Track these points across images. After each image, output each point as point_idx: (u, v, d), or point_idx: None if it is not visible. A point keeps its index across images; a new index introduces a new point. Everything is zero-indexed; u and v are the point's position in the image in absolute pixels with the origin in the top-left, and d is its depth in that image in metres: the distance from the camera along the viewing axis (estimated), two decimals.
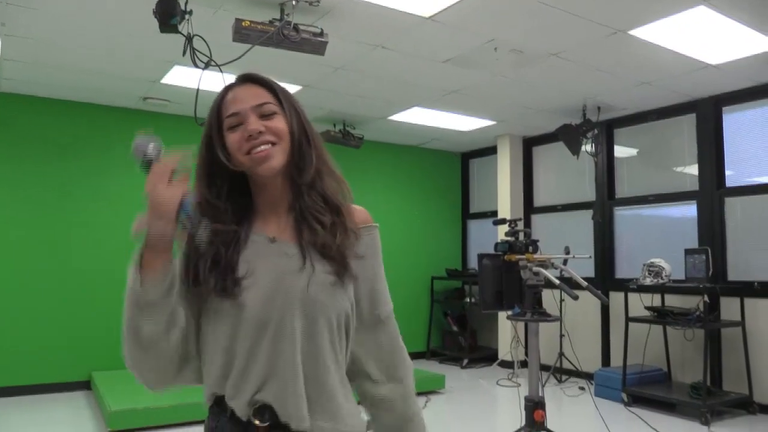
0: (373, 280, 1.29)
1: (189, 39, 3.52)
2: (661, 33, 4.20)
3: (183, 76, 5.11)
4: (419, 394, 5.73)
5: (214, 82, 5.12)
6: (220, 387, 1.16)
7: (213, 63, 3.57)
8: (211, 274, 1.14)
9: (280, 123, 1.19)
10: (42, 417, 4.93)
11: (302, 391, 1.12)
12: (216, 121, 1.22)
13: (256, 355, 1.13)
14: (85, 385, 5.78)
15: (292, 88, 5.45)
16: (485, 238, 7.83)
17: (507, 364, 7.06)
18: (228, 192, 1.22)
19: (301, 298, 1.14)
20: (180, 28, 3.40)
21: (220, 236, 1.16)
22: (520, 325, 6.83)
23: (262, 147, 1.16)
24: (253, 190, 1.25)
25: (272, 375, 1.12)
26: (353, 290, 1.22)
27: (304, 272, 1.16)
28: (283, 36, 3.58)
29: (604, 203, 6.61)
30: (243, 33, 3.53)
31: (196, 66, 3.64)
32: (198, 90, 3.88)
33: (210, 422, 1.21)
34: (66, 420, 4.87)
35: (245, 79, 1.24)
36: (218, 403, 1.18)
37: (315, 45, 3.78)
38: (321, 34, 3.79)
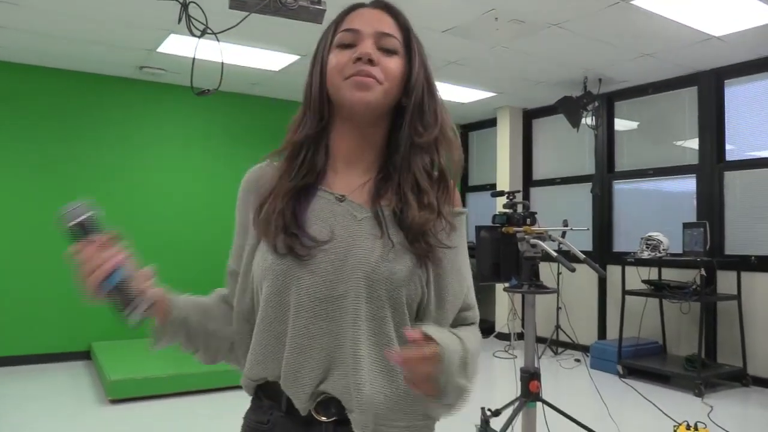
0: (459, 276, 1.07)
1: (184, 6, 3.45)
2: (664, 3, 4.13)
3: (179, 45, 5.04)
4: None
5: (210, 51, 5.07)
6: (271, 369, 1.01)
7: (209, 31, 3.50)
8: (278, 228, 0.99)
9: (395, 65, 1.03)
10: (42, 387, 4.96)
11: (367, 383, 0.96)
12: (330, 36, 1.05)
13: (314, 336, 0.97)
14: (85, 355, 5.82)
15: (289, 58, 5.40)
16: (484, 211, 7.78)
17: (504, 337, 7.11)
18: (317, 132, 1.05)
19: (370, 274, 0.96)
20: None
21: (287, 186, 1.02)
22: (517, 298, 6.85)
23: (367, 79, 0.99)
24: (335, 135, 1.06)
25: (334, 363, 0.97)
26: (432, 280, 1.02)
27: (379, 243, 0.98)
28: (280, 3, 3.51)
29: (604, 176, 6.59)
30: (239, 0, 3.46)
31: (192, 34, 3.57)
32: (194, 59, 3.82)
33: (256, 415, 1.06)
34: (66, 389, 4.91)
35: (380, 4, 1.08)
36: (267, 391, 1.04)
37: (312, 13, 3.71)
38: (319, 1, 3.72)
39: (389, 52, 1.03)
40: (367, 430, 0.96)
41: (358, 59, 0.99)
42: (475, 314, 1.13)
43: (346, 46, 1.02)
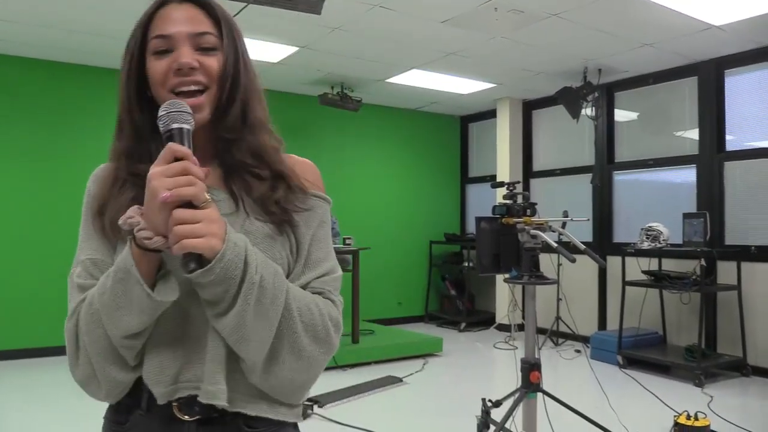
0: (311, 243, 1.06)
1: None
2: None
3: None
4: (417, 357, 5.79)
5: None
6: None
7: None
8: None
9: (216, 62, 0.99)
10: (46, 380, 4.98)
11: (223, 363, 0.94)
12: (140, 41, 1.00)
13: (176, 323, 0.96)
14: None
15: (288, 49, 5.38)
16: (484, 202, 7.82)
17: (504, 328, 7.12)
18: (150, 129, 1.00)
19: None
20: None
21: (138, 178, 0.96)
22: (518, 290, 6.87)
23: (193, 87, 0.97)
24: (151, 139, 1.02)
25: (193, 349, 0.96)
26: (291, 245, 1.04)
27: (237, 218, 0.99)
28: None
29: (604, 167, 6.58)
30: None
31: None
32: None
33: (114, 415, 1.05)
34: (70, 382, 4.90)
35: None
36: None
37: (311, 4, 3.70)
38: None
39: (208, 50, 0.99)
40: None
41: (179, 70, 0.96)
42: (332, 293, 1.06)
43: (162, 52, 0.98)
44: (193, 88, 0.97)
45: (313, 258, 1.05)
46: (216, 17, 1.02)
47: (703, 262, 5.06)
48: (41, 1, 4.33)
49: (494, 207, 3.41)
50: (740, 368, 5.21)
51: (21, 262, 5.67)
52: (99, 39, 5.16)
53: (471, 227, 8.26)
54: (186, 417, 0.96)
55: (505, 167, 7.41)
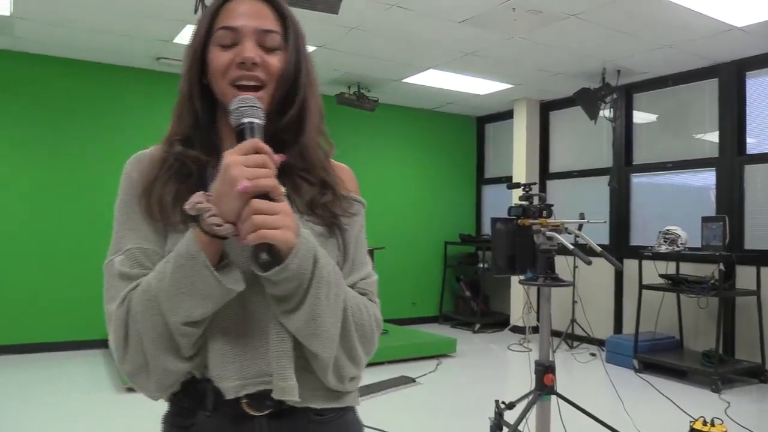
0: (355, 246, 1.09)
1: None
2: None
3: None
4: (431, 357, 5.78)
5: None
6: (197, 363, 0.98)
7: None
8: (175, 210, 0.96)
9: (278, 62, 1.01)
10: (59, 374, 5.04)
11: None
12: (205, 31, 1.02)
13: (241, 320, 0.97)
14: (103, 344, 5.88)
15: None
16: (500, 203, 7.79)
17: (519, 330, 7.09)
18: (205, 120, 1.03)
19: None
20: None
21: (186, 168, 1.00)
22: (533, 292, 6.82)
23: (252, 82, 0.98)
24: (223, 120, 1.04)
25: (260, 342, 0.96)
26: (338, 245, 1.06)
27: None
28: None
29: (621, 169, 6.52)
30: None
31: None
32: None
33: (176, 419, 1.02)
34: (83, 377, 4.97)
35: None
36: (188, 391, 1.00)
37: (329, 3, 3.71)
38: None
39: (271, 49, 1.01)
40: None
41: (241, 64, 0.98)
42: (374, 294, 1.11)
43: (226, 45, 1.00)
44: (252, 83, 0.99)
45: (357, 260, 1.09)
46: (282, 16, 1.04)
47: (721, 266, 4.99)
48: (65, 2, 4.38)
49: (510, 208, 3.40)
50: (758, 374, 5.13)
51: (22, 258, 5.73)
52: (109, 37, 5.21)
53: (486, 228, 8.23)
54: (256, 412, 0.96)
55: (521, 168, 7.37)
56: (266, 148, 0.88)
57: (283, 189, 0.88)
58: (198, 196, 0.87)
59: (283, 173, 0.97)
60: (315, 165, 1.06)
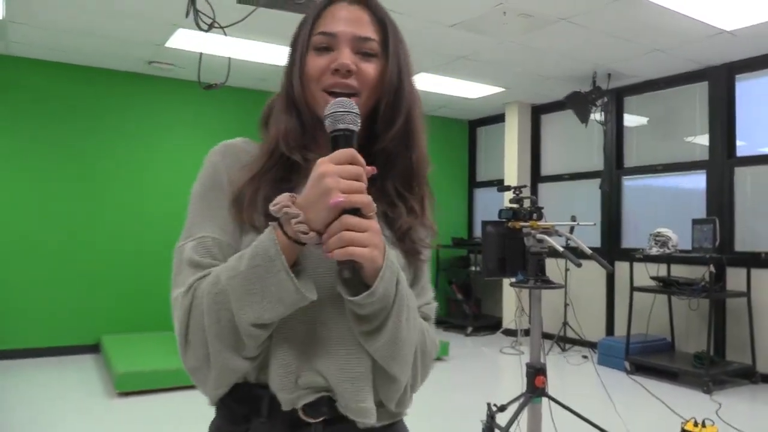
0: (423, 271, 1.09)
1: (192, 0, 3.46)
2: None
3: (187, 40, 5.05)
4: None
5: (219, 45, 5.07)
6: (253, 366, 0.97)
7: (216, 25, 3.51)
8: (261, 211, 0.94)
9: (374, 70, 0.99)
10: (51, 380, 5.01)
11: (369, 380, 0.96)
12: (307, 35, 1.00)
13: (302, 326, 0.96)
14: (94, 349, 5.86)
15: None
16: (492, 206, 7.80)
17: (511, 333, 7.10)
18: (301, 125, 1.01)
19: None
20: None
21: (284, 172, 0.98)
22: (524, 296, 6.83)
23: (346, 90, 0.96)
24: (317, 131, 1.00)
25: (323, 348, 0.96)
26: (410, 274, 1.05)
27: None
28: None
29: (612, 172, 6.55)
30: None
31: (200, 28, 3.58)
32: (201, 53, 3.83)
33: (228, 425, 1.01)
34: (75, 382, 4.94)
35: (357, 0, 1.01)
36: (241, 395, 0.98)
37: None
38: None
39: (368, 56, 0.99)
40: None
41: (336, 71, 0.96)
42: (433, 319, 1.12)
43: (323, 49, 0.98)
44: (346, 91, 0.96)
45: (425, 285, 1.09)
46: (383, 23, 1.02)
47: (712, 268, 5.02)
48: (57, 6, 4.38)
49: (500, 211, 3.41)
50: (749, 376, 5.16)
51: (11, 263, 5.70)
52: (102, 41, 5.20)
53: (478, 231, 8.24)
54: (312, 419, 0.95)
55: (513, 172, 7.40)
56: (362, 159, 0.85)
57: (374, 206, 0.85)
58: (285, 198, 0.85)
59: (379, 191, 0.96)
60: (413, 188, 1.04)
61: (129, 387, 4.48)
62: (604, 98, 6.07)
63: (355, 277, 0.87)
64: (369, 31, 0.99)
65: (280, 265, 0.84)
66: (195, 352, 0.91)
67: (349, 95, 0.95)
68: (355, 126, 0.89)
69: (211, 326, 0.88)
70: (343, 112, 0.89)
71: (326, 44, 0.98)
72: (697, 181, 5.87)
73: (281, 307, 0.86)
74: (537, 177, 7.53)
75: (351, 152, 0.85)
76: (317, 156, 0.94)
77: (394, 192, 1.02)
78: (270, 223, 0.87)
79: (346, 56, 0.96)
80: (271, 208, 0.85)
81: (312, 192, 0.83)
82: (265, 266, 0.85)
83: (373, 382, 0.96)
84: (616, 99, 6.54)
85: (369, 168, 0.86)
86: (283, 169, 0.99)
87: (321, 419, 0.95)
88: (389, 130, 1.01)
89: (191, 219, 0.99)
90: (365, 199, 0.84)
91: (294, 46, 1.03)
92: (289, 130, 1.00)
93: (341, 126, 0.88)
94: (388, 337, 0.91)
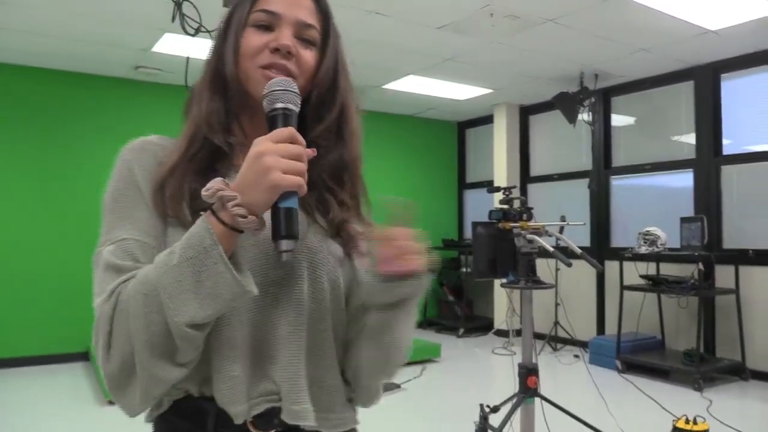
0: None
1: (178, 4, 3.44)
2: None
3: (173, 44, 5.03)
4: (415, 363, 5.76)
5: (205, 49, 5.05)
6: (195, 378, 0.89)
7: (203, 29, 3.49)
8: (184, 204, 0.89)
9: (312, 59, 0.96)
10: (41, 388, 4.96)
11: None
12: (246, 12, 0.94)
13: (251, 329, 0.90)
14: (84, 357, 5.81)
15: None
16: (482, 207, 7.81)
17: (502, 333, 7.11)
18: (227, 107, 0.96)
19: (311, 255, 0.92)
20: None
21: (209, 161, 0.93)
22: (516, 296, 6.84)
23: (282, 73, 0.91)
24: (242, 114, 0.97)
25: (271, 355, 0.91)
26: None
27: (311, 227, 0.94)
28: None
29: (601, 172, 6.59)
30: None
31: (186, 33, 3.56)
32: (188, 58, 3.79)
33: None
34: (64, 391, 4.90)
35: None
36: (184, 409, 0.91)
37: None
38: None
39: (307, 43, 0.96)
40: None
41: (276, 50, 0.91)
42: None
43: (262, 27, 0.93)
44: (282, 73, 0.91)
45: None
46: (326, 15, 1.00)
47: (701, 266, 5.06)
48: (43, 11, 4.34)
49: (491, 212, 3.42)
50: (739, 372, 5.20)
51: (22, 271, 5.65)
52: (88, 46, 5.17)
53: (469, 233, 8.25)
54: None
55: (502, 172, 7.42)
56: (302, 139, 0.81)
57: (305, 189, 0.81)
58: (218, 183, 0.78)
59: (311, 186, 0.88)
60: (344, 183, 1.01)
61: None
62: (591, 98, 6.10)
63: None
64: (312, 19, 0.96)
65: (216, 255, 0.77)
66: (119, 364, 0.82)
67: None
68: (296, 106, 0.86)
69: (140, 332, 0.80)
70: (283, 91, 0.86)
71: (267, 22, 0.93)
72: (685, 179, 5.91)
73: (219, 303, 0.79)
74: (526, 177, 7.56)
75: (291, 131, 0.81)
76: (242, 142, 0.93)
77: (323, 184, 0.98)
78: (201, 212, 0.81)
79: (287, 37, 0.92)
80: (204, 193, 0.78)
81: (250, 172, 0.78)
82: (199, 258, 0.78)
83: (308, 381, 0.91)
84: (603, 99, 6.58)
85: (309, 150, 0.82)
86: (207, 158, 0.93)
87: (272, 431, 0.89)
88: (320, 123, 0.98)
89: (106, 224, 0.92)
90: (301, 180, 0.79)
91: (228, 23, 0.97)
92: (212, 111, 0.95)
93: (280, 105, 0.85)
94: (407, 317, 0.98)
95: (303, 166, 0.80)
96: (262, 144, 0.78)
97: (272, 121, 0.85)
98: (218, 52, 0.97)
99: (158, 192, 0.90)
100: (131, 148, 0.96)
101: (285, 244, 0.81)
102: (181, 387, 0.89)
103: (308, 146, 0.85)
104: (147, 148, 0.96)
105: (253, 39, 0.93)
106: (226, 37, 0.95)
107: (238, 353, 0.87)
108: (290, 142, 0.80)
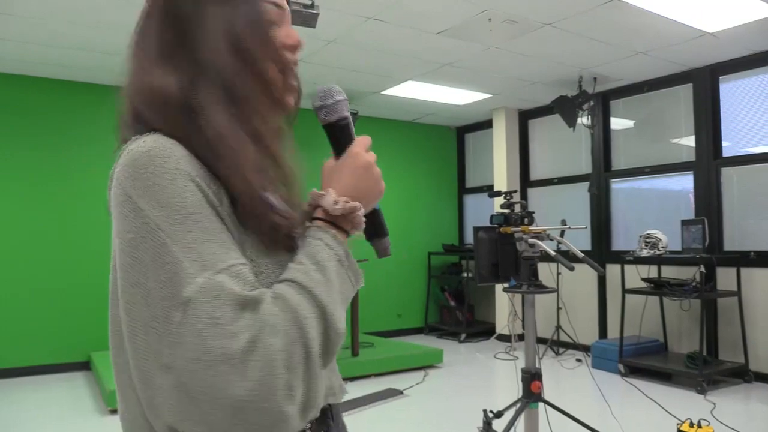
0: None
1: None
2: (658, 0, 4.13)
3: None
4: (418, 368, 5.75)
5: None
6: None
7: None
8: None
9: None
10: (42, 398, 4.94)
11: None
12: (256, 6, 0.85)
13: None
14: (85, 366, 5.79)
15: None
16: (482, 212, 7.83)
17: (504, 338, 7.09)
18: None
19: None
20: None
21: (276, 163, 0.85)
22: (517, 300, 6.84)
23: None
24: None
25: None
26: None
27: None
28: None
29: (601, 175, 6.59)
30: None
31: None
32: None
33: None
34: (66, 400, 4.88)
35: None
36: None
37: (306, 17, 3.71)
38: (312, 5, 3.72)
39: None
40: None
41: (295, 47, 0.88)
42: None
43: (275, 23, 0.87)
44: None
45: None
46: None
47: (702, 268, 5.05)
48: (40, 21, 4.35)
49: (492, 216, 3.41)
50: (742, 374, 5.18)
51: (22, 281, 5.64)
52: (86, 54, 5.17)
53: (469, 238, 8.25)
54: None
55: (502, 177, 7.41)
56: None
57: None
58: (323, 195, 0.82)
59: None
60: None
61: None
62: (590, 102, 6.10)
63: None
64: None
65: (352, 264, 0.82)
66: (298, 394, 0.69)
67: None
68: (349, 111, 0.91)
69: (315, 352, 0.71)
70: (344, 99, 0.90)
71: (276, 18, 0.86)
72: (685, 182, 5.91)
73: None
74: (526, 182, 7.56)
75: (370, 139, 0.89)
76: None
77: None
78: (316, 221, 0.81)
79: (296, 33, 0.89)
80: (334, 208, 0.81)
81: (364, 182, 0.86)
82: (342, 272, 0.79)
83: None
84: (602, 102, 6.59)
85: None
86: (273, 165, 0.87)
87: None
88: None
89: (197, 253, 0.69)
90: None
91: (252, 23, 0.86)
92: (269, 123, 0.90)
93: (345, 114, 0.89)
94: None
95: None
96: (366, 154, 0.87)
97: (339, 130, 0.89)
98: (267, 47, 0.85)
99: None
100: (179, 157, 0.74)
101: (388, 241, 0.92)
102: None
103: None
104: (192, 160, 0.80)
105: (282, 32, 0.87)
106: (253, 34, 0.83)
107: None
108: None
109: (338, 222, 0.82)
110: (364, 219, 0.83)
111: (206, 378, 0.64)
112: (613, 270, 6.02)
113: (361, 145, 0.87)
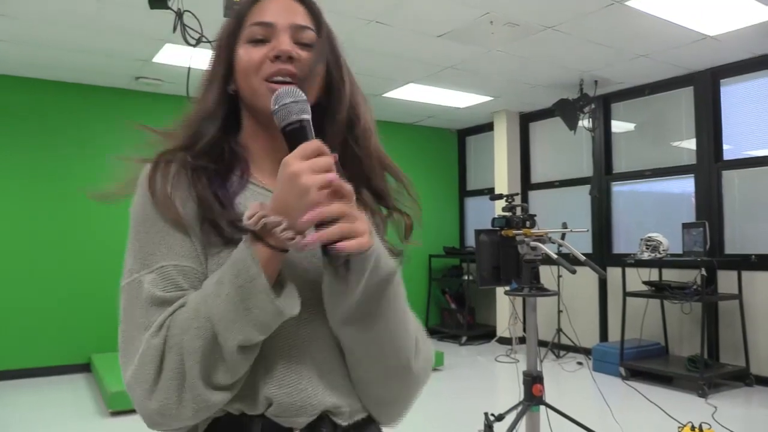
0: None
1: (179, 15, 3.45)
2: (658, 4, 4.14)
3: (174, 55, 5.04)
4: None
5: (206, 60, 5.07)
6: (249, 397, 0.88)
7: (204, 39, 3.50)
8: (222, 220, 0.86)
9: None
10: (42, 400, 4.94)
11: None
12: (234, 29, 0.95)
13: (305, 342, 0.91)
14: (85, 368, 5.79)
15: None
16: (483, 215, 7.83)
17: (505, 341, 7.09)
18: (223, 127, 0.96)
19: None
20: (170, 3, 3.33)
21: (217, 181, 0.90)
22: (518, 303, 6.84)
23: (288, 78, 0.90)
24: (248, 129, 0.98)
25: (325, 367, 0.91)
26: None
27: None
28: None
29: (602, 178, 6.59)
30: (234, 8, 3.45)
31: (187, 43, 3.57)
32: (189, 68, 3.80)
33: None
34: (66, 402, 4.88)
35: None
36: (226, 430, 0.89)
37: None
38: None
39: (306, 46, 0.94)
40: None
41: (277, 58, 0.90)
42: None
43: (258, 41, 0.92)
44: (288, 79, 0.90)
45: None
46: (315, 14, 0.98)
47: (703, 271, 5.04)
48: (43, 23, 4.36)
49: (493, 219, 3.41)
50: (743, 378, 5.18)
51: (23, 282, 5.64)
52: (88, 57, 5.18)
53: (470, 240, 8.25)
54: None
55: (503, 180, 7.42)
56: (327, 148, 0.80)
57: (353, 193, 0.81)
58: (258, 208, 0.78)
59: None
60: (371, 180, 1.00)
61: (122, 406, 4.42)
62: (591, 105, 6.11)
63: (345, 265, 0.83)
64: (304, 20, 0.95)
65: (261, 285, 0.78)
66: (166, 395, 0.80)
67: (290, 83, 0.90)
68: (307, 114, 0.84)
69: (192, 360, 0.79)
70: (293, 102, 0.84)
71: (262, 36, 0.93)
72: (686, 185, 5.91)
73: (264, 329, 0.80)
74: (527, 184, 7.56)
75: (317, 144, 0.79)
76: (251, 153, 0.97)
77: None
78: (243, 236, 0.80)
79: (285, 42, 0.91)
80: (247, 222, 0.78)
81: (288, 195, 0.77)
82: (245, 287, 0.78)
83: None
84: (603, 105, 6.59)
85: (334, 156, 0.81)
86: (218, 180, 0.93)
87: None
88: (332, 125, 0.97)
89: (142, 252, 0.88)
90: (347, 187, 0.79)
91: (219, 43, 0.97)
92: (204, 139, 0.95)
93: (295, 117, 0.83)
94: (387, 320, 0.89)
95: (335, 176, 0.78)
96: (293, 164, 0.77)
97: (291, 135, 0.83)
98: (216, 74, 0.97)
99: (179, 216, 0.90)
100: (150, 173, 0.95)
101: (340, 261, 0.83)
102: (224, 407, 0.86)
103: (335, 147, 0.86)
104: (172, 169, 0.96)
105: (253, 53, 0.92)
106: (217, 59, 0.97)
107: (289, 363, 0.88)
108: (318, 155, 0.79)
109: (261, 236, 0.79)
110: (289, 234, 0.77)
111: (121, 351, 0.86)
112: (614, 273, 6.01)
113: (296, 153, 0.78)
